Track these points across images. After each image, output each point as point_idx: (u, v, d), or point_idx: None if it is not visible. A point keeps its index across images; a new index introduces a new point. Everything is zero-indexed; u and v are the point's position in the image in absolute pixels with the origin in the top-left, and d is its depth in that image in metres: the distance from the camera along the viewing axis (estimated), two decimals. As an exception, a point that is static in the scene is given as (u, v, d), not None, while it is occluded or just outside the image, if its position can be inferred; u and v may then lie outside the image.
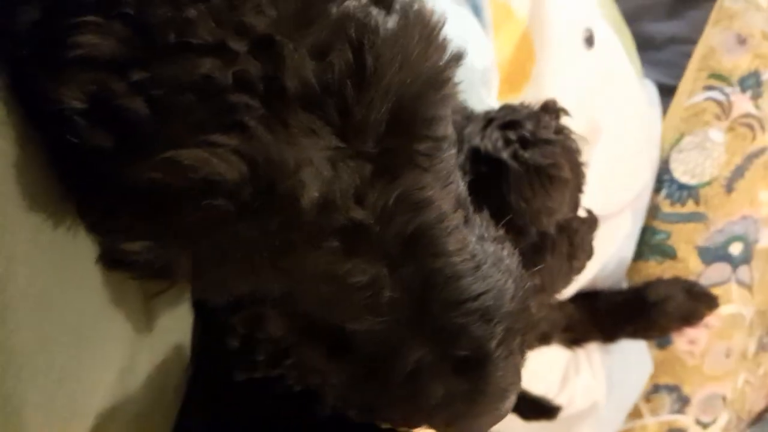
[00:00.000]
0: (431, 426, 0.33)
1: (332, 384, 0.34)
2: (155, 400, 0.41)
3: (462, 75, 0.54)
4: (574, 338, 0.95)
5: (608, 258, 0.97)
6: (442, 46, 0.30)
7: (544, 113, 0.47)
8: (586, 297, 0.97)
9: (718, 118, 1.02)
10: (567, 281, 0.49)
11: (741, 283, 1.07)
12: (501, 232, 0.37)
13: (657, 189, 1.07)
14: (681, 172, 1.05)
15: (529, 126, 0.45)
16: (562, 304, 0.95)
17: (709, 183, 1.04)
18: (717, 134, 1.02)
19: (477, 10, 0.64)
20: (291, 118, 0.26)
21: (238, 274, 0.29)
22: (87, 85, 0.24)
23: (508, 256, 0.35)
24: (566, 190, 0.45)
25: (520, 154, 0.44)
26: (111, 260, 0.30)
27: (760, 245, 1.08)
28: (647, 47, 1.05)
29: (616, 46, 0.84)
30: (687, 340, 1.08)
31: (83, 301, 0.32)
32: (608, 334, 0.97)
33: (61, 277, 0.30)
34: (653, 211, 1.07)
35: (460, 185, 0.35)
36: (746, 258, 1.07)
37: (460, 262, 0.31)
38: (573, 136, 0.49)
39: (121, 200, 0.26)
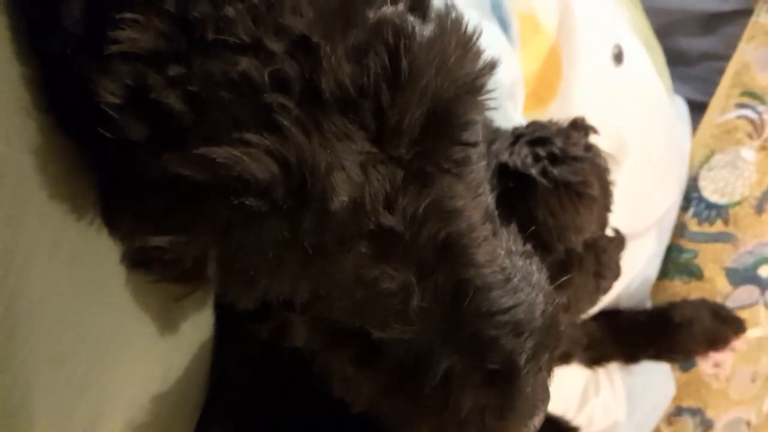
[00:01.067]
0: None
1: (362, 392, 0.33)
2: (177, 405, 0.41)
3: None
4: (595, 357, 0.93)
5: (632, 277, 0.95)
6: (478, 54, 0.30)
7: (573, 130, 0.46)
8: (608, 315, 0.95)
9: (750, 136, 1.00)
10: (593, 301, 0.49)
11: (769, 306, 1.05)
12: (529, 247, 0.36)
13: (684, 207, 1.05)
14: (710, 191, 1.03)
15: (558, 143, 0.44)
16: (584, 323, 0.93)
17: (739, 203, 1.01)
18: (749, 153, 1.00)
19: (504, 25, 0.63)
20: (325, 121, 0.26)
21: (266, 274, 0.29)
22: (125, 79, 0.25)
23: (537, 271, 0.35)
24: (595, 208, 0.44)
25: (549, 170, 0.43)
26: (135, 259, 0.30)
27: (790, 267, 1.05)
28: (679, 63, 1.03)
29: (646, 62, 0.82)
30: (712, 363, 1.05)
31: (104, 312, 0.32)
32: (630, 355, 0.95)
33: (81, 289, 0.30)
34: (680, 229, 1.05)
35: (489, 198, 0.35)
36: (776, 281, 1.04)
37: (491, 273, 0.31)
38: (602, 155, 0.48)
39: (150, 193, 0.27)
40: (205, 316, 0.42)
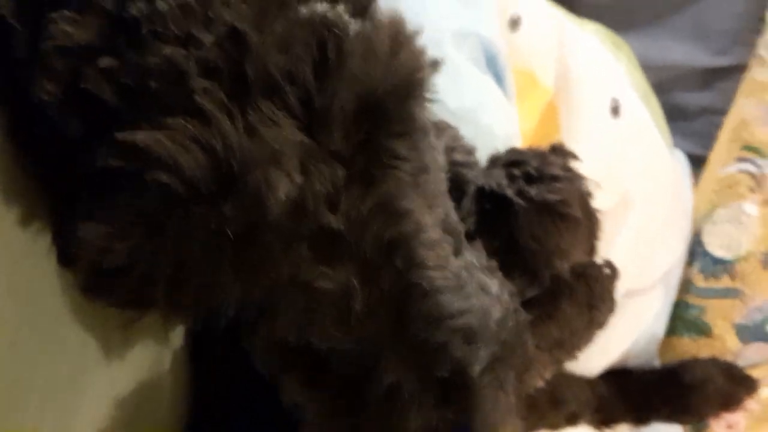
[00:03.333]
0: None
1: (309, 415, 0.31)
2: None
3: (481, 140, 0.53)
4: (603, 419, 0.90)
5: (639, 335, 0.92)
6: (415, 49, 0.30)
7: (552, 153, 0.45)
8: (617, 375, 0.92)
9: (752, 190, 0.99)
10: (588, 336, 0.46)
11: (782, 365, 1.01)
12: (493, 263, 0.35)
13: (689, 262, 1.02)
14: (715, 246, 1.01)
15: (534, 163, 0.43)
16: (592, 383, 0.90)
17: (745, 258, 0.99)
18: (751, 207, 0.99)
19: (499, 79, 0.63)
20: (252, 107, 0.26)
21: (202, 281, 0.28)
22: (60, 74, 0.25)
23: (499, 285, 0.33)
24: (578, 230, 0.42)
25: (525, 190, 0.42)
26: (68, 256, 0.29)
27: (801, 324, 1.03)
28: (678, 118, 1.04)
29: (644, 116, 0.82)
30: (725, 425, 1.01)
31: (57, 351, 0.30)
32: (640, 416, 0.91)
33: (31, 326, 0.28)
34: (686, 285, 1.03)
35: (451, 214, 0.33)
36: (787, 338, 1.01)
37: (441, 277, 0.29)
38: (582, 177, 0.46)
39: (84, 188, 0.27)
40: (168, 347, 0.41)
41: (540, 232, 0.41)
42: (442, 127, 0.51)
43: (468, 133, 0.55)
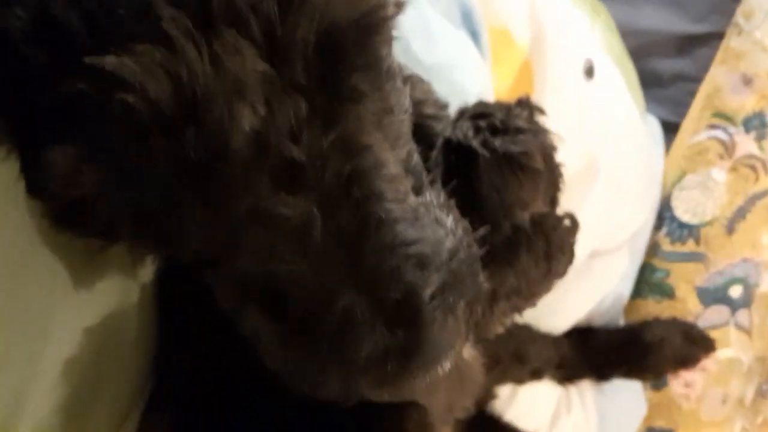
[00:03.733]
0: (366, 392, 0.31)
1: (266, 345, 0.32)
2: (111, 375, 0.40)
3: (454, 97, 0.53)
4: (566, 375, 0.93)
5: (605, 294, 0.95)
6: None
7: (518, 107, 0.45)
8: (580, 333, 0.95)
9: (720, 157, 1.01)
10: (546, 285, 0.47)
11: (740, 327, 1.05)
12: (452, 201, 0.36)
13: (657, 226, 1.05)
14: (682, 211, 1.04)
15: (500, 115, 0.44)
16: (556, 341, 0.93)
17: (710, 223, 1.02)
18: (719, 174, 1.01)
19: (475, 36, 0.64)
20: (216, 38, 0.26)
21: (164, 211, 0.29)
22: (31, 1, 0.26)
23: (453, 221, 0.34)
24: (539, 182, 0.43)
25: (489, 141, 0.42)
26: (37, 185, 0.29)
27: (760, 290, 1.06)
28: (653, 84, 1.05)
29: (618, 80, 0.83)
30: (683, 383, 1.05)
31: (27, 279, 0.32)
32: (601, 373, 0.95)
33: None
34: (653, 248, 1.05)
35: (414, 156, 0.34)
36: (746, 302, 1.04)
37: (398, 209, 0.30)
38: (547, 130, 0.47)
39: (51, 118, 0.27)
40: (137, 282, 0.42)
41: (501, 182, 0.42)
42: (414, 81, 0.51)
43: (441, 90, 0.55)
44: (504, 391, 0.92)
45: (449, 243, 0.31)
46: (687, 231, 1.03)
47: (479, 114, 0.45)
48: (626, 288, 1.02)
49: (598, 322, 0.99)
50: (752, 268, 1.04)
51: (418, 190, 0.33)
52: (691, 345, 0.94)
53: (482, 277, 0.33)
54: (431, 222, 0.31)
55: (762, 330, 1.10)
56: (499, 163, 0.42)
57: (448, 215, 0.33)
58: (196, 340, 0.43)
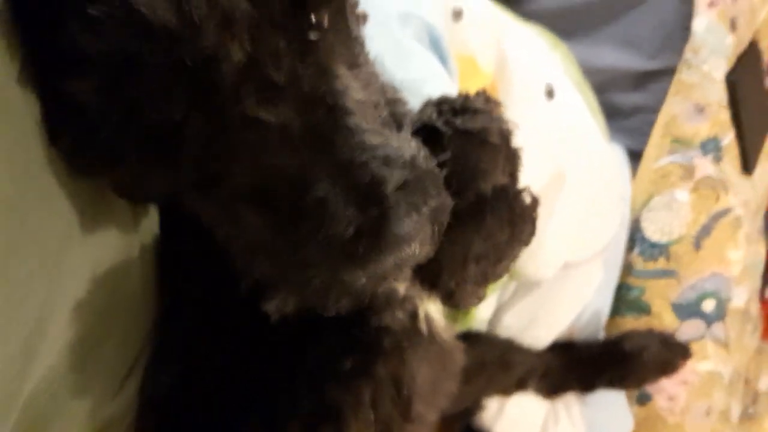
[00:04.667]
0: (346, 276, 0.36)
1: (255, 245, 0.37)
2: (126, 308, 0.44)
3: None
4: (551, 386, 0.97)
5: (583, 308, 1.00)
6: None
7: (476, 96, 0.52)
8: (563, 347, 1.00)
9: (682, 179, 1.09)
10: (511, 250, 0.51)
11: (716, 341, 1.10)
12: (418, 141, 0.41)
13: (630, 248, 1.12)
14: (652, 231, 1.10)
15: (459, 100, 0.51)
16: (540, 353, 0.97)
17: (678, 241, 1.09)
18: (683, 194, 1.09)
19: (443, 60, 0.72)
20: None
21: (166, 112, 0.34)
22: None
23: (416, 144, 0.39)
24: (497, 155, 0.48)
25: (451, 121, 0.48)
26: (55, 132, 0.35)
27: (733, 304, 1.12)
28: (615, 116, 1.14)
29: (577, 100, 0.91)
30: (666, 397, 1.09)
31: (48, 211, 0.36)
32: (585, 383, 0.99)
33: (24, 188, 0.34)
34: (627, 268, 1.12)
35: (383, 108, 0.41)
36: (720, 315, 1.10)
37: (365, 123, 0.36)
38: (501, 112, 0.52)
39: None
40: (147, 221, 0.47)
41: (463, 155, 0.48)
42: (386, 87, 0.59)
43: (413, 104, 0.62)
44: (492, 404, 0.95)
45: (411, 152, 0.37)
46: (658, 250, 1.10)
47: (442, 101, 0.52)
48: (604, 304, 1.07)
49: (579, 336, 1.03)
50: (722, 283, 1.10)
51: (384, 126, 0.40)
52: (669, 352, 0.99)
53: (445, 192, 0.38)
54: (395, 138, 0.38)
55: (739, 344, 1.15)
56: (460, 139, 0.48)
57: (411, 142, 0.39)
58: (195, 301, 0.48)
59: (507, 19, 0.85)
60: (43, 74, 0.35)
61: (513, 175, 0.52)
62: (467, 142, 0.48)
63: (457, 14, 0.76)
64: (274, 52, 0.35)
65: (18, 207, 0.33)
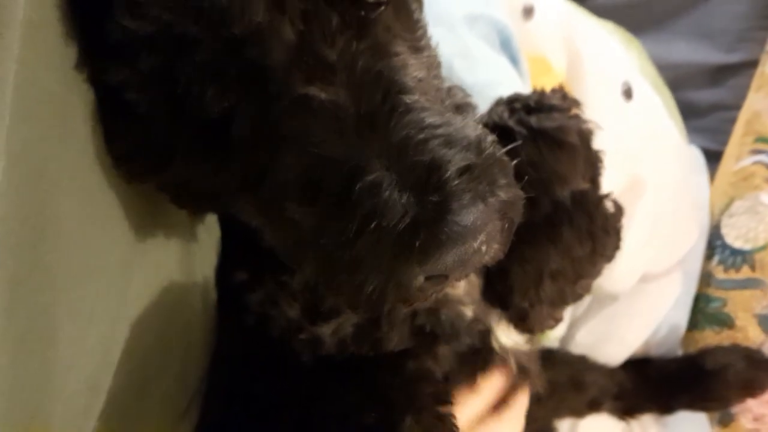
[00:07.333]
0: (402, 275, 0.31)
1: (300, 240, 0.33)
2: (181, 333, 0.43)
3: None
4: (626, 408, 0.90)
5: (660, 322, 0.93)
6: None
7: (552, 93, 0.47)
8: (637, 364, 0.93)
9: (767, 181, 1.00)
10: (592, 267, 0.46)
11: (807, 357, 1.01)
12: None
13: (709, 256, 1.04)
14: (733, 237, 1.02)
15: (534, 97, 0.45)
16: (612, 371, 0.91)
17: (764, 247, 1.00)
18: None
19: (515, 61, 0.67)
20: None
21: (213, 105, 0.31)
22: None
23: (481, 129, 0.34)
24: (576, 157, 0.43)
25: (525, 119, 0.43)
26: (111, 122, 0.33)
27: (825, 316, 1.03)
28: (691, 115, 1.06)
29: (656, 101, 0.85)
30: (752, 418, 1.01)
31: (113, 239, 0.34)
32: (663, 405, 0.91)
33: (93, 214, 0.32)
34: (706, 278, 1.03)
35: (443, 90, 0.37)
36: (811, 329, 1.01)
37: (424, 101, 0.32)
38: (580, 109, 0.48)
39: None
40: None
41: (538, 157, 0.43)
42: (454, 91, 0.54)
43: (482, 109, 0.58)
44: (563, 426, 0.89)
45: (475, 133, 0.32)
46: (740, 257, 1.02)
47: (514, 98, 0.47)
48: (682, 318, 1.00)
49: (656, 352, 0.96)
50: (813, 293, 1.01)
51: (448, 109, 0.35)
52: (755, 370, 0.91)
53: (516, 184, 0.33)
54: (458, 119, 0.32)
55: (832, 360, 1.05)
56: (534, 139, 0.43)
57: (477, 126, 0.34)
58: (247, 332, 0.45)
59: (579, 15, 0.79)
60: (93, 72, 0.32)
61: (594, 181, 0.47)
62: (542, 143, 0.43)
63: (528, 11, 0.70)
64: (328, 30, 0.32)
65: (86, 227, 0.31)
